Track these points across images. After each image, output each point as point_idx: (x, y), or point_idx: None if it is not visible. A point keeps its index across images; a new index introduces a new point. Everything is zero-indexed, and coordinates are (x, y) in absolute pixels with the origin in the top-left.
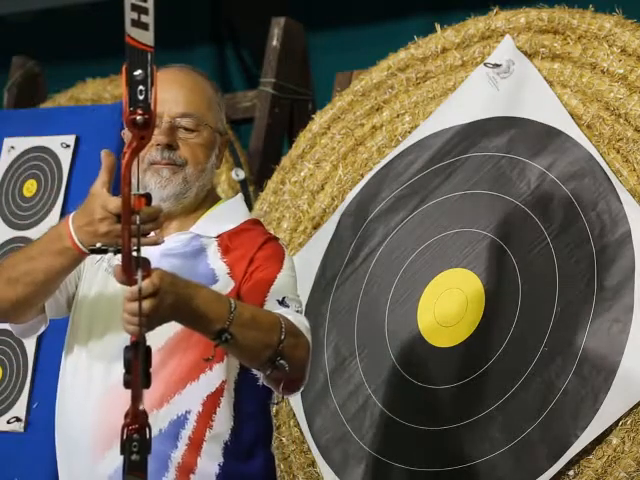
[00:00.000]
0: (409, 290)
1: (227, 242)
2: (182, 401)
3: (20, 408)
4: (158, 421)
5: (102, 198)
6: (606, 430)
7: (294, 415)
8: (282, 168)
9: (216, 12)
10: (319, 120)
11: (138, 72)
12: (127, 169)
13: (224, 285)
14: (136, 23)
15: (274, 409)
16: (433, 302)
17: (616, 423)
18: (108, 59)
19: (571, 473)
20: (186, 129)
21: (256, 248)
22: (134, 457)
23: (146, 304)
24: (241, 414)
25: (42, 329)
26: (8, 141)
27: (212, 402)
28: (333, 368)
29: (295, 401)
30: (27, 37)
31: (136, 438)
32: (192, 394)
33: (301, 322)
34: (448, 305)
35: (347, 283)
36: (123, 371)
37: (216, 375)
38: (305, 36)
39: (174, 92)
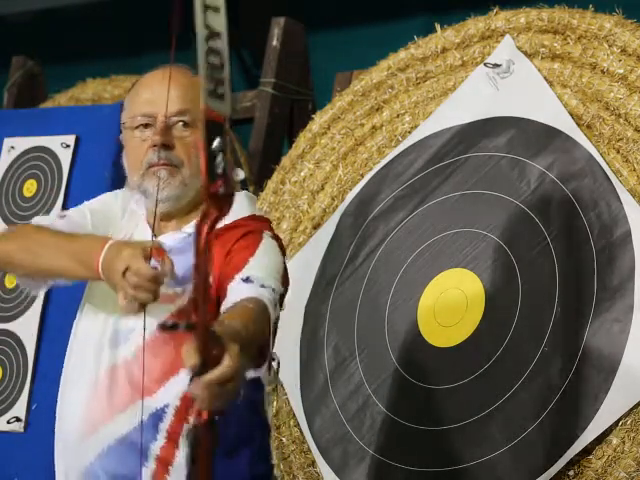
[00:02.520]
0: (409, 290)
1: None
2: (162, 395)
3: (20, 408)
4: (139, 412)
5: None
6: (606, 430)
7: (294, 415)
8: (282, 168)
9: None
10: (319, 120)
11: (216, 143)
12: (205, 241)
13: None
14: (213, 94)
15: (273, 409)
16: (433, 302)
17: (616, 423)
18: (108, 59)
19: (571, 473)
20: (182, 126)
21: (234, 241)
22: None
23: (231, 387)
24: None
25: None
26: (8, 141)
27: (190, 397)
28: (333, 368)
29: (295, 401)
30: (27, 37)
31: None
32: (172, 388)
33: (263, 295)
34: (448, 305)
35: (347, 283)
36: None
37: None
38: (305, 36)
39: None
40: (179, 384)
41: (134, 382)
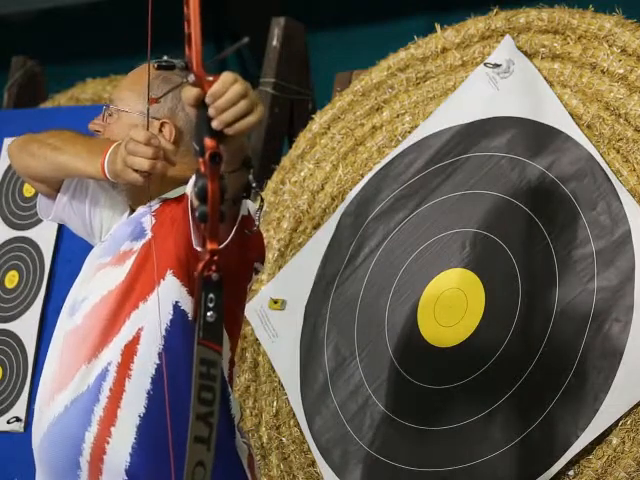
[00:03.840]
0: (409, 290)
1: (166, 204)
2: (106, 355)
3: (20, 408)
4: (87, 377)
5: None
6: (606, 430)
7: (294, 415)
8: (282, 168)
9: (216, 12)
10: (319, 120)
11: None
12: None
13: (145, 236)
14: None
15: (274, 409)
16: (433, 302)
17: (616, 423)
18: (108, 59)
19: (571, 473)
20: (109, 115)
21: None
22: (210, 315)
23: (244, 105)
24: (170, 363)
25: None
26: (8, 141)
27: (129, 351)
28: (333, 368)
29: (295, 401)
30: (27, 37)
31: (215, 279)
32: (114, 346)
33: None
34: (448, 305)
35: (347, 283)
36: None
37: (132, 323)
38: (305, 36)
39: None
40: (121, 340)
41: (81, 347)
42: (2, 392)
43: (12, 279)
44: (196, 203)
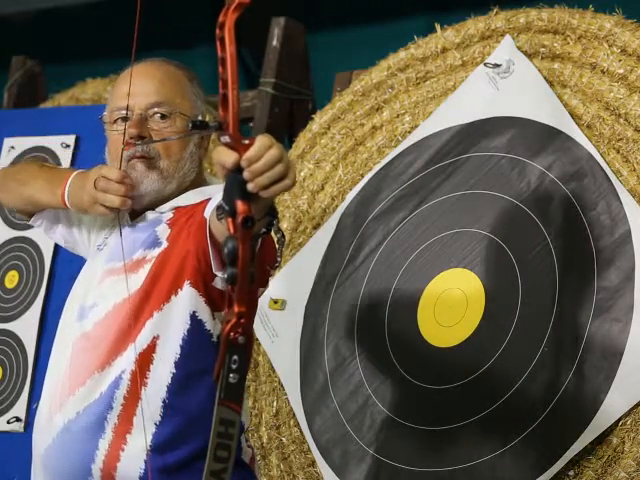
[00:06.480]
0: (409, 290)
1: (180, 212)
2: (120, 363)
3: (20, 408)
4: (99, 384)
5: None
6: (606, 430)
7: (294, 415)
8: None
9: (216, 12)
10: (319, 120)
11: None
12: None
13: (160, 245)
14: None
15: (273, 409)
16: (433, 302)
17: (616, 423)
18: (108, 59)
19: (571, 473)
20: (160, 118)
21: (200, 208)
22: (232, 377)
23: (280, 169)
24: (186, 372)
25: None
26: (8, 141)
27: (144, 359)
28: (333, 368)
29: (295, 401)
30: (27, 37)
31: (241, 342)
32: (128, 354)
33: None
34: (448, 305)
35: (347, 283)
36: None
37: (148, 332)
38: (305, 36)
39: (144, 85)
40: (136, 349)
41: (92, 353)
42: (2, 392)
43: (12, 279)
44: (225, 262)
